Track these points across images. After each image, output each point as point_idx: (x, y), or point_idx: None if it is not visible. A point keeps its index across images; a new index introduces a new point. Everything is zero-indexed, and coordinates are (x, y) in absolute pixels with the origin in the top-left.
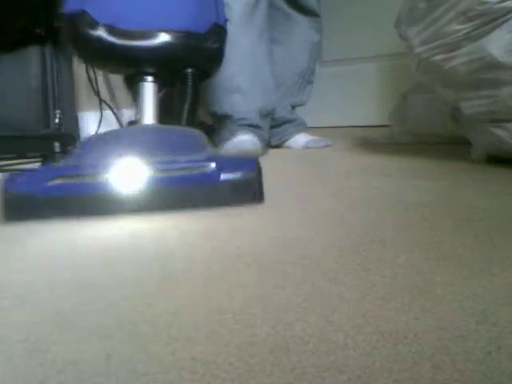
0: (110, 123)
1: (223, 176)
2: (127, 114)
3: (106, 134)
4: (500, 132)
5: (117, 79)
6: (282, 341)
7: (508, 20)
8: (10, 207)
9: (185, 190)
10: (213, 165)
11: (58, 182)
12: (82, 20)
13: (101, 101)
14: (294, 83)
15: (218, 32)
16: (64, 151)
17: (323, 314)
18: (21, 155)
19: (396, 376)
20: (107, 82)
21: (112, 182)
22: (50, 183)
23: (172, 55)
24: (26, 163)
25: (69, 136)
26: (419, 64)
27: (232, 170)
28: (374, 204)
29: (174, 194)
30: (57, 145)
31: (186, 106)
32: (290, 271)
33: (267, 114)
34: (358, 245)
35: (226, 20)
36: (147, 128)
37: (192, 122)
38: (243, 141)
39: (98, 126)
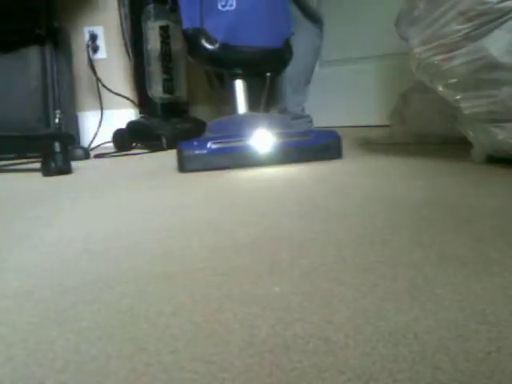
0: (111, 123)
1: (320, 141)
2: (127, 114)
3: (228, 118)
4: (500, 132)
5: (117, 79)
6: (281, 341)
7: (508, 20)
8: (185, 162)
9: (297, 151)
10: (312, 134)
11: (218, 145)
12: (203, 36)
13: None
14: (299, 82)
15: (289, 44)
16: (64, 151)
17: (323, 314)
18: (21, 155)
19: (396, 376)
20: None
21: (253, 144)
22: (211, 146)
23: (260, 64)
24: (25, 163)
25: (69, 136)
26: (419, 64)
27: (323, 137)
28: (374, 204)
29: (290, 153)
30: (57, 145)
31: (265, 99)
32: (290, 271)
33: (283, 111)
34: (358, 245)
35: (292, 34)
36: (258, 114)
37: (268, 111)
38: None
39: (99, 126)
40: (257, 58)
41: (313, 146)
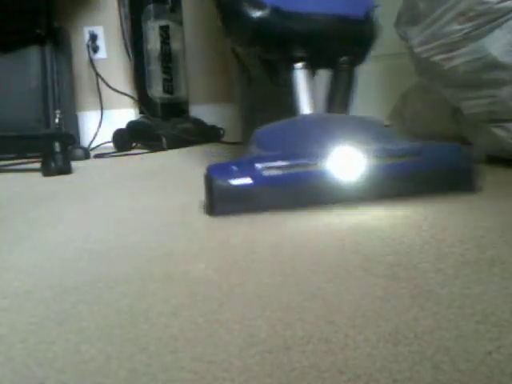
0: (111, 123)
1: (437, 162)
2: (127, 114)
3: (287, 123)
4: (500, 132)
5: (117, 79)
6: (281, 341)
7: (508, 20)
8: (217, 200)
9: (403, 178)
10: (424, 151)
11: (274, 172)
12: (248, 1)
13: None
14: None
15: (373, 17)
16: (64, 151)
17: (323, 314)
18: (21, 155)
19: (396, 376)
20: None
21: (332, 169)
22: (263, 172)
23: (333, 42)
24: (25, 163)
25: (69, 136)
26: (419, 64)
27: (442, 156)
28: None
29: (393, 184)
30: (57, 145)
31: (343, 97)
32: (290, 271)
33: None
34: (358, 244)
35: (376, 5)
36: (336, 117)
37: (346, 110)
38: None
39: (99, 126)
40: (327, 32)
41: (427, 170)
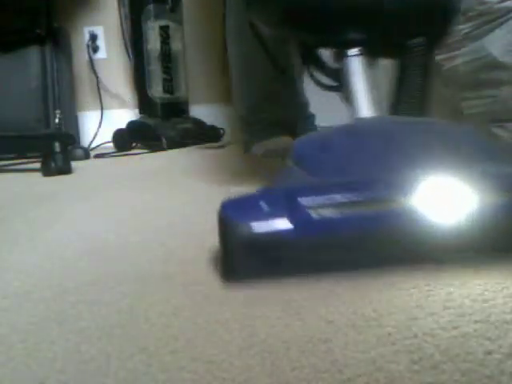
0: (111, 123)
1: None
2: (127, 114)
3: (339, 131)
4: (500, 132)
5: (117, 79)
6: (281, 341)
7: (508, 20)
8: (238, 259)
9: None
10: None
11: (328, 212)
12: None
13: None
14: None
15: None
16: (64, 151)
17: (323, 314)
18: (21, 155)
19: (396, 376)
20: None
21: (423, 209)
22: (314, 214)
23: (399, 14)
24: (25, 163)
25: (69, 136)
26: None
27: None
28: None
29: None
30: (57, 145)
31: (414, 90)
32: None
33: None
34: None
35: None
36: (404, 122)
37: (421, 112)
38: (281, 141)
39: (99, 126)
40: (392, 7)
41: None
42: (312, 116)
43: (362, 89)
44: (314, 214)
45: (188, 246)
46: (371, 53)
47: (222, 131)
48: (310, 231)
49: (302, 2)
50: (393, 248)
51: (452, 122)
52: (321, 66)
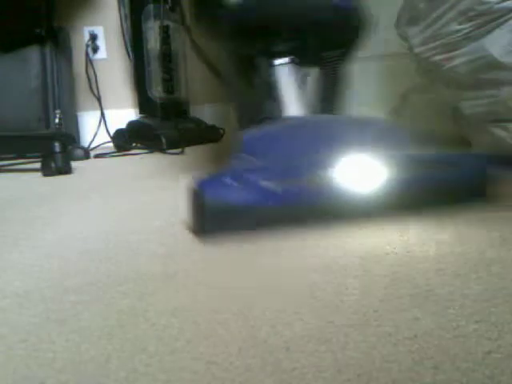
0: (111, 123)
1: (474, 174)
2: (127, 114)
3: (279, 126)
4: (500, 132)
5: (117, 79)
6: (281, 341)
7: (508, 20)
8: (207, 219)
9: (434, 192)
10: (462, 161)
11: (273, 186)
12: None
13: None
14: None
15: (361, 8)
16: (64, 151)
17: (323, 314)
18: (21, 155)
19: (396, 376)
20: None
21: (346, 182)
22: (261, 186)
23: (317, 30)
24: (25, 163)
25: (69, 136)
26: (419, 64)
27: (477, 166)
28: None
29: (421, 197)
30: (57, 145)
31: (331, 93)
32: (290, 271)
33: None
34: (358, 244)
35: None
36: (335, 119)
37: (335, 111)
38: None
39: (98, 126)
40: (314, 21)
41: (462, 182)
42: None
43: (290, 92)
44: (265, 187)
45: (188, 246)
46: (297, 62)
47: (221, 131)
48: (263, 199)
49: (241, 21)
50: (321, 211)
51: (372, 117)
52: (256, 73)
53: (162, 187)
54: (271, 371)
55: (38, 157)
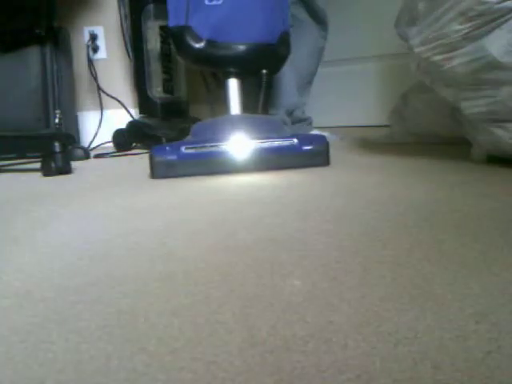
0: (110, 123)
1: (305, 147)
2: (127, 114)
3: (213, 120)
4: (500, 132)
5: (117, 79)
6: (281, 341)
7: (508, 20)
8: (155, 169)
9: (279, 157)
10: (296, 139)
11: (191, 151)
12: (188, 34)
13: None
14: (301, 85)
15: (286, 39)
16: (64, 151)
17: (323, 314)
18: (21, 155)
19: (396, 376)
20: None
21: (229, 150)
22: (183, 151)
23: (252, 61)
24: (25, 163)
25: (69, 136)
26: (419, 64)
27: (309, 143)
28: (374, 204)
29: (272, 160)
30: (57, 145)
31: (262, 99)
32: (290, 271)
33: (291, 113)
34: (358, 244)
35: (290, 26)
36: (242, 116)
37: (266, 111)
38: None
39: (99, 126)
40: (248, 55)
41: (296, 152)
42: (308, 119)
43: (235, 98)
44: (186, 151)
45: (188, 246)
46: (240, 77)
47: None
48: (183, 158)
49: (203, 56)
50: (219, 167)
51: (268, 116)
52: (220, 83)
53: (162, 187)
54: (271, 371)
55: (38, 157)
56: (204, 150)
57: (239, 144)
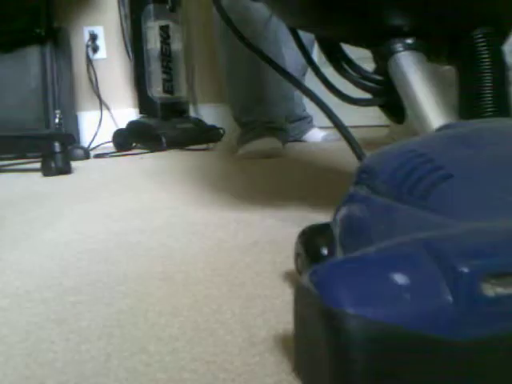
0: (110, 123)
1: None
2: (127, 114)
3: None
4: None
5: (117, 79)
6: (281, 341)
7: None
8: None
9: None
10: None
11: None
12: None
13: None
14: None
15: None
16: (64, 151)
17: None
18: (21, 155)
19: None
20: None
21: None
22: (488, 292)
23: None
24: (25, 163)
25: (69, 136)
26: None
27: None
28: None
29: None
30: (57, 145)
31: (489, 89)
32: (290, 271)
33: (289, 118)
34: None
35: None
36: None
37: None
38: (266, 142)
39: (99, 126)
40: None
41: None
42: (309, 117)
43: (425, 91)
44: (488, 292)
45: (188, 246)
46: (426, 47)
47: (221, 131)
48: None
49: None
50: None
51: None
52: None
53: (161, 187)
54: (271, 371)
55: (38, 157)
56: None
57: None
